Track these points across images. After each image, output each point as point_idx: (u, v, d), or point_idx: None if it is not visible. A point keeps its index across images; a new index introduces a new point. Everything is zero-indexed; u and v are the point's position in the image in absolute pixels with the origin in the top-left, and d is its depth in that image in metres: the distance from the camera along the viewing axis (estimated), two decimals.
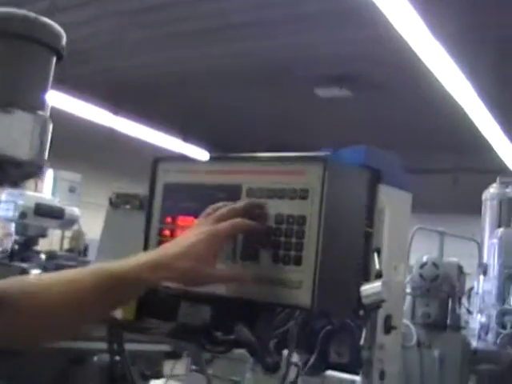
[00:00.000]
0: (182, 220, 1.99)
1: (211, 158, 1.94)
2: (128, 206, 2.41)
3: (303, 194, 1.80)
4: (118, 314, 2.21)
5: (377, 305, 3.43)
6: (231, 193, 1.91)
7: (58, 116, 4.68)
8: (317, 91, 12.39)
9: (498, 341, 7.71)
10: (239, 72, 11.76)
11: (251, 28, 10.16)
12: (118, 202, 2.48)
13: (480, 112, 10.59)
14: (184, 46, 10.97)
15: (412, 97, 11.65)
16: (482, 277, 8.22)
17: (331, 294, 1.80)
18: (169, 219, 2.02)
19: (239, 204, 1.85)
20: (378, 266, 2.36)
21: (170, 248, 1.73)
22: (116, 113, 14.24)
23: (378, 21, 8.32)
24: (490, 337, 7.88)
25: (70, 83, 11.25)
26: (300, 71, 11.56)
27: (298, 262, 1.77)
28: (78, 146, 14.44)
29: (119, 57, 11.21)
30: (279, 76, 11.80)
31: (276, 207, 1.83)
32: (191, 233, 1.77)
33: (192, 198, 1.96)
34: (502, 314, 7.69)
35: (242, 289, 1.85)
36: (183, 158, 2.09)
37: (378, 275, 3.76)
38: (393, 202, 4.97)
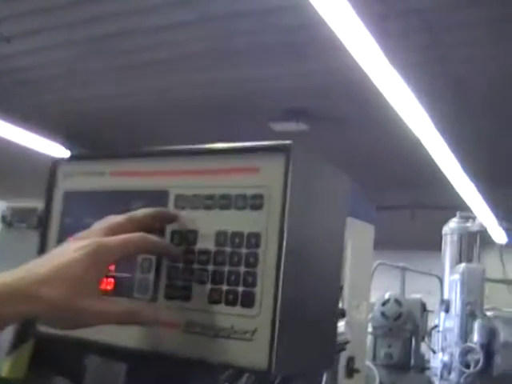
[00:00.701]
0: None
1: (129, 154, 1.28)
2: (24, 225, 1.81)
3: (256, 202, 1.20)
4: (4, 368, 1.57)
5: (341, 347, 2.88)
6: (154, 202, 1.30)
7: None
8: (272, 125, 11.83)
9: (462, 380, 7.23)
10: (194, 103, 11.16)
11: (209, 59, 9.64)
12: (12, 220, 1.87)
13: (439, 147, 10.18)
14: (139, 77, 10.39)
15: (371, 131, 11.19)
16: (443, 314, 7.75)
17: (298, 346, 1.19)
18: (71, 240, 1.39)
19: (143, 211, 1.25)
20: (340, 305, 1.75)
21: (32, 269, 1.10)
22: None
23: (338, 53, 7.85)
24: (453, 376, 7.39)
25: (20, 113, 10.57)
26: (255, 104, 11.02)
27: (248, 301, 1.17)
28: None
29: (73, 87, 10.57)
30: (232, 109, 11.25)
31: (216, 222, 1.23)
32: (66, 248, 1.15)
33: (101, 210, 1.34)
34: (465, 352, 7.19)
35: (166, 340, 1.23)
36: (92, 157, 1.47)
37: (341, 314, 3.14)
38: (355, 233, 4.39)
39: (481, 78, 9.12)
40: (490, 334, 7.31)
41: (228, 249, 1.20)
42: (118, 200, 1.36)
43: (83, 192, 1.42)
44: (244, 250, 1.19)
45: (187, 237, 1.25)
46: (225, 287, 1.19)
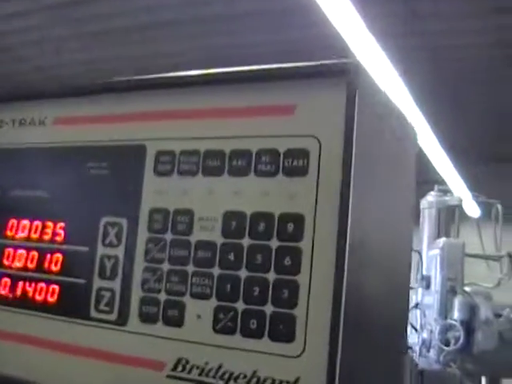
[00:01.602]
0: (14, 227, 0.85)
1: (82, 90, 0.73)
2: None
3: (295, 164, 0.69)
4: None
5: None
6: (122, 163, 0.79)
7: None
8: None
9: (441, 358, 6.87)
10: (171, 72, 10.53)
11: (185, 27, 9.03)
12: None
13: (417, 120, 9.75)
14: (111, 45, 9.74)
15: None
16: (420, 290, 7.37)
17: None
18: None
19: None
20: None
21: None
22: None
23: (318, 20, 7.33)
24: (432, 354, 7.03)
25: None
26: None
27: (284, 331, 0.68)
28: None
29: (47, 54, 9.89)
30: None
31: (225, 196, 0.73)
32: None
33: (42, 177, 0.82)
34: (445, 329, 6.80)
35: None
36: (25, 96, 0.93)
37: None
38: None
39: (457, 50, 8.70)
40: (471, 311, 6.92)
41: (245, 241, 0.70)
42: (66, 162, 0.84)
43: (14, 150, 0.90)
44: (274, 244, 0.68)
45: (176, 220, 0.75)
46: (241, 306, 0.69)
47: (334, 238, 0.65)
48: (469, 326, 7.08)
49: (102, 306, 0.77)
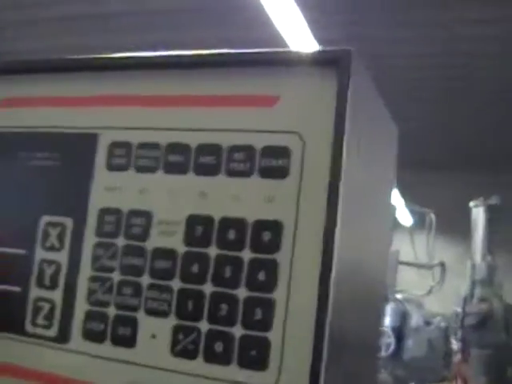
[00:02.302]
0: None
1: (19, 67, 0.60)
2: None
3: (274, 163, 0.59)
4: None
5: None
6: (69, 154, 0.67)
7: None
8: None
9: None
10: None
11: (132, 19, 8.81)
12: None
13: None
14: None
15: None
16: None
17: None
18: None
19: None
20: None
21: None
22: None
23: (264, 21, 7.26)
24: None
25: None
26: None
27: (256, 357, 0.57)
28: None
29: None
30: None
31: (188, 198, 0.63)
32: None
33: None
34: None
35: None
36: None
37: None
38: None
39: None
40: (402, 318, 6.98)
41: (212, 251, 0.60)
42: (0, 150, 0.72)
43: None
44: (247, 256, 0.58)
45: (130, 223, 0.64)
46: (205, 326, 0.59)
47: (317, 250, 0.55)
48: (400, 332, 7.15)
49: (39, 320, 0.65)
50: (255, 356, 0.57)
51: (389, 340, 6.84)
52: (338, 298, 0.55)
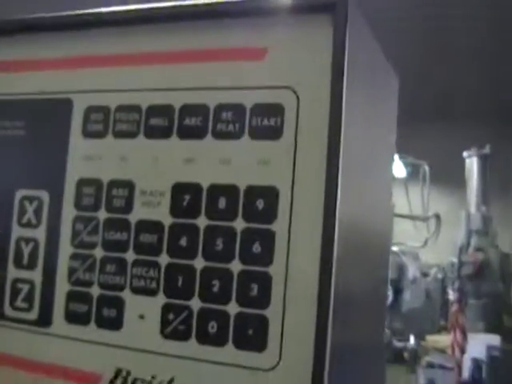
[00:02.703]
0: None
1: None
2: None
3: (265, 123, 0.53)
4: None
5: None
6: (41, 121, 0.61)
7: None
8: None
9: None
10: None
11: None
12: None
13: None
14: None
15: None
16: None
17: None
18: None
19: None
20: None
21: None
22: None
23: None
24: None
25: None
26: None
27: (253, 337, 0.51)
28: None
29: None
30: None
31: (173, 164, 0.56)
32: None
33: None
34: None
35: None
36: None
37: None
38: None
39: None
40: (399, 270, 6.99)
41: (201, 222, 0.54)
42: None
43: None
44: (239, 226, 0.53)
45: (111, 194, 0.58)
46: (197, 304, 0.53)
47: (317, 218, 0.50)
48: (397, 285, 7.17)
49: (18, 303, 0.60)
50: (252, 335, 0.52)
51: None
52: (340, 267, 0.50)
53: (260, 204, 0.52)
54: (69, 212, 0.59)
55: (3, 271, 0.61)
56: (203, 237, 0.54)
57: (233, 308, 0.52)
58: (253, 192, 0.53)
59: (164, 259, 0.55)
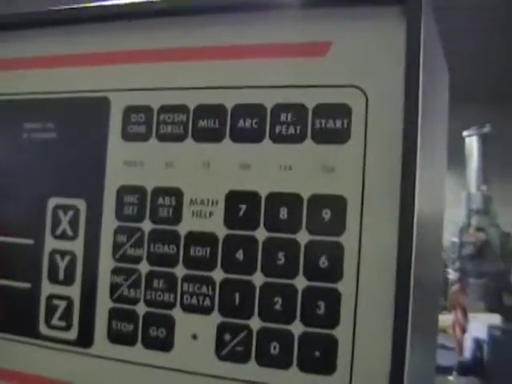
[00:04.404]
0: None
1: (22, 17, 0.48)
2: None
3: (331, 125, 0.48)
4: None
5: None
6: (74, 123, 0.56)
7: None
8: None
9: None
10: None
11: None
12: None
13: None
14: None
15: None
16: None
17: None
18: None
19: None
20: None
21: None
22: None
23: None
24: None
25: None
26: None
27: (321, 359, 0.47)
28: None
29: None
30: None
31: (226, 171, 0.51)
32: None
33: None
34: None
35: None
36: None
37: None
38: None
39: None
40: None
41: (260, 234, 0.49)
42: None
43: None
44: (303, 238, 0.48)
45: (156, 203, 0.53)
46: (257, 323, 0.49)
47: (390, 229, 0.45)
48: None
49: (55, 321, 0.55)
50: (319, 357, 0.47)
51: None
52: (416, 283, 0.45)
53: (326, 215, 0.47)
54: (109, 222, 0.54)
55: (37, 287, 0.56)
56: (262, 250, 0.49)
57: (297, 328, 0.48)
58: (318, 201, 0.48)
59: (219, 274, 0.50)
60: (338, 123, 0.48)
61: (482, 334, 4.63)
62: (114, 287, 0.53)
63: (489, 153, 5.32)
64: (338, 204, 0.47)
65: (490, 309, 5.13)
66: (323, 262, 0.47)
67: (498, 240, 5.41)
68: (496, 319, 4.89)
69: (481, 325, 4.60)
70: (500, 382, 4.38)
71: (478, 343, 4.63)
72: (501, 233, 5.44)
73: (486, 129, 5.34)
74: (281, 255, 0.48)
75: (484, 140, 5.36)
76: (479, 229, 5.35)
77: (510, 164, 6.05)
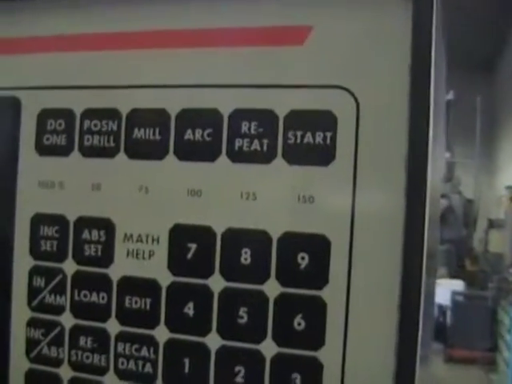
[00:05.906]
0: None
1: None
2: None
3: (311, 140, 0.35)
4: None
5: None
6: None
7: None
8: None
9: None
10: None
11: None
12: None
13: None
14: None
15: None
16: None
17: None
18: None
19: None
20: None
21: None
22: None
23: None
24: None
25: None
26: None
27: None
28: None
29: None
30: None
31: (179, 200, 0.37)
32: None
33: None
34: None
35: None
36: None
37: None
38: None
39: None
40: None
41: (216, 283, 0.37)
42: None
43: None
44: (274, 290, 0.36)
45: (82, 239, 0.40)
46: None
47: (387, 284, 0.33)
48: None
49: None
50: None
51: None
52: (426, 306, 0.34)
53: (304, 261, 0.35)
54: (23, 261, 0.41)
55: None
56: (218, 304, 0.37)
57: None
58: (292, 242, 0.36)
59: (162, 333, 0.38)
60: (319, 137, 0.35)
61: (446, 300, 4.60)
62: (30, 343, 0.41)
63: (452, 120, 5.25)
64: (317, 246, 0.35)
65: (453, 275, 5.12)
66: (298, 322, 0.35)
67: (461, 207, 5.39)
68: (459, 285, 4.88)
69: (444, 291, 4.57)
70: (463, 347, 4.37)
71: (441, 309, 4.61)
72: (463, 199, 5.42)
73: (449, 96, 5.26)
74: (243, 312, 0.36)
75: (447, 107, 5.29)
76: (442, 195, 5.32)
77: (474, 131, 6.00)
